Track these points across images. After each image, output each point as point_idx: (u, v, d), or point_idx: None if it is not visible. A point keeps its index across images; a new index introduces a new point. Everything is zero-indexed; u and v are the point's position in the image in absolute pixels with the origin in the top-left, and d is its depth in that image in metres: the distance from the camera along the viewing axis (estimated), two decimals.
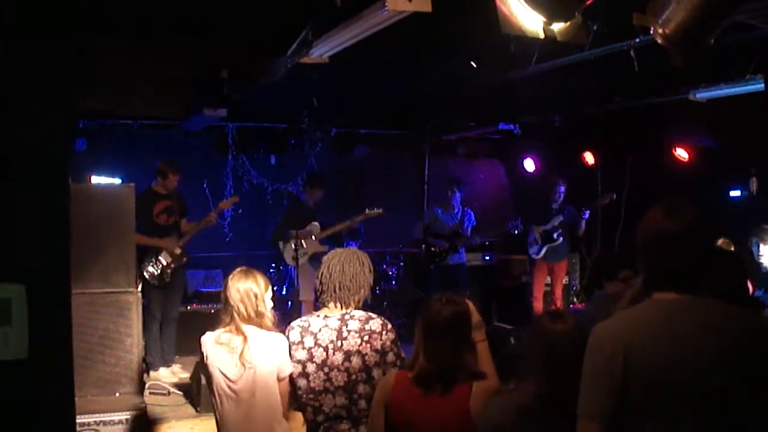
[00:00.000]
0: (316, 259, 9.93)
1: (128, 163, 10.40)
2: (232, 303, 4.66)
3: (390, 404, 3.99)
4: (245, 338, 4.61)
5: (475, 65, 7.13)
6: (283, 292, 11.07)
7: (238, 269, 4.80)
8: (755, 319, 2.89)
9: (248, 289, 4.66)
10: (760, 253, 7.16)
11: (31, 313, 2.47)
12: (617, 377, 2.76)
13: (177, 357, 9.11)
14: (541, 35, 5.00)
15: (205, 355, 4.71)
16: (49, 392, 2.53)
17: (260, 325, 4.64)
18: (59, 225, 2.59)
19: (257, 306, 4.65)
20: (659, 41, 3.89)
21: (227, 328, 4.67)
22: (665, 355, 2.74)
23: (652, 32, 3.94)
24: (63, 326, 2.57)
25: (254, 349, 4.58)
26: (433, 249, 11.10)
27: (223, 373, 4.61)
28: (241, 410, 4.63)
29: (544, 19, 4.91)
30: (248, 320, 4.63)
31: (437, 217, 11.20)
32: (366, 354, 4.46)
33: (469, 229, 11.13)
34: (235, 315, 4.65)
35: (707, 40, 3.87)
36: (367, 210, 10.08)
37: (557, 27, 5.01)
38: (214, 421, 7.11)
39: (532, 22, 4.96)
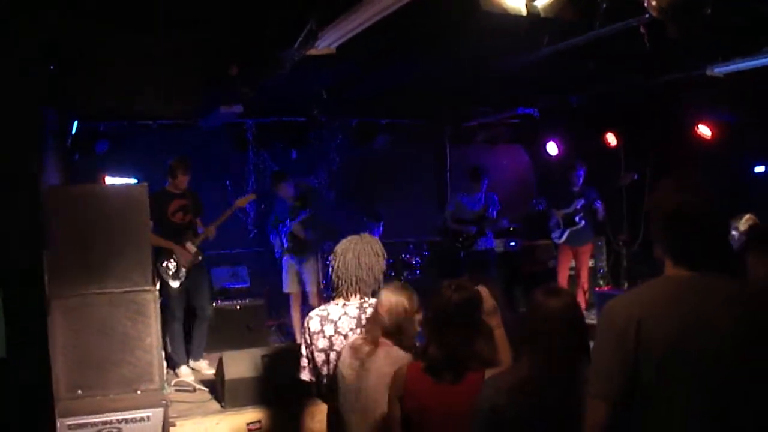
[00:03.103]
0: (293, 252, 10.11)
1: (149, 163, 10.38)
2: (379, 311, 4.42)
3: (404, 395, 3.99)
4: (373, 349, 4.37)
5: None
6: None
7: (393, 283, 4.58)
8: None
9: (399, 302, 4.36)
10: None
11: (8, 314, 2.47)
12: (629, 354, 2.73)
13: (204, 354, 9.16)
14: (524, 12, 4.93)
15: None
16: (29, 390, 2.53)
17: (399, 342, 4.36)
18: (33, 229, 2.59)
19: (400, 322, 4.36)
20: (654, 14, 3.84)
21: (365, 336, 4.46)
22: (678, 333, 2.71)
23: (646, 5, 3.89)
24: (40, 326, 2.58)
25: (372, 365, 4.34)
26: (460, 236, 11.05)
27: (344, 375, 4.45)
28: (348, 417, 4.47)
29: None
30: (388, 333, 4.37)
31: (462, 204, 11.15)
32: None
33: (495, 212, 11.07)
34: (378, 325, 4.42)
35: (702, 12, 3.81)
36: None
37: (541, 3, 4.94)
38: (238, 416, 7.21)
39: None
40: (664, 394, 2.70)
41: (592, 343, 3.03)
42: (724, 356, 2.66)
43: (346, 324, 4.54)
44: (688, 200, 2.81)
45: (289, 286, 10.24)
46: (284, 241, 10.17)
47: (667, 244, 2.89)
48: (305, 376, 4.71)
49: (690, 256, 2.83)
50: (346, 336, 4.52)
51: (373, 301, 4.60)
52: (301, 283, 10.27)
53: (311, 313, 4.74)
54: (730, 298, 2.77)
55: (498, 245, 11.72)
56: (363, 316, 4.53)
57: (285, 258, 10.24)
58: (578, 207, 10.77)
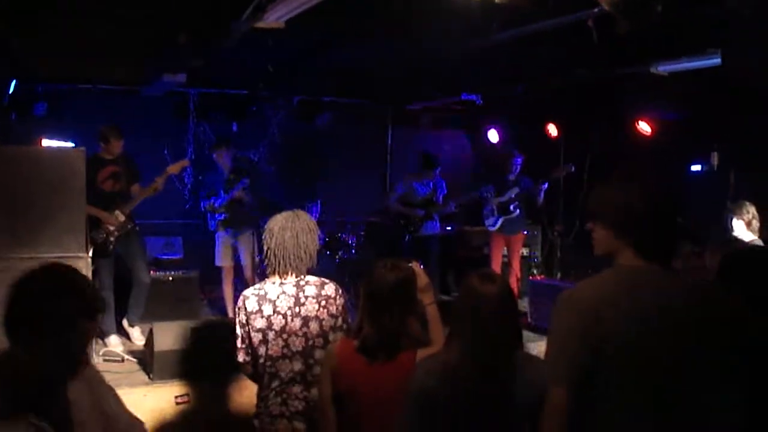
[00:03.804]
0: (229, 225, 9.99)
1: (88, 128, 10.15)
2: None
3: (336, 373, 3.97)
4: None
5: None
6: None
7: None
8: (722, 294, 2.89)
9: None
10: (733, 227, 7.19)
11: None
12: (589, 339, 2.73)
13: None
14: None
15: None
16: None
17: None
18: None
19: None
20: (605, 7, 3.86)
21: None
22: (637, 324, 2.73)
23: None
24: None
25: None
26: (405, 219, 10.97)
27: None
28: None
29: None
30: None
31: (413, 188, 11.07)
32: (323, 319, 4.51)
33: (441, 197, 11.05)
34: None
35: (653, 7, 3.83)
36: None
37: None
38: (166, 389, 7.13)
39: None
40: (622, 383, 2.72)
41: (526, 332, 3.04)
42: (682, 349, 2.70)
43: (285, 303, 4.51)
44: (665, 192, 2.86)
45: (222, 259, 10.13)
46: (219, 213, 10.03)
47: (632, 234, 2.89)
48: (241, 357, 4.66)
49: (654, 248, 2.85)
50: (284, 315, 4.49)
51: (310, 278, 4.60)
52: (235, 257, 10.17)
53: (247, 292, 4.66)
54: (689, 293, 2.83)
55: (439, 230, 11.70)
56: (301, 295, 4.52)
57: (219, 232, 10.12)
58: (513, 195, 10.81)
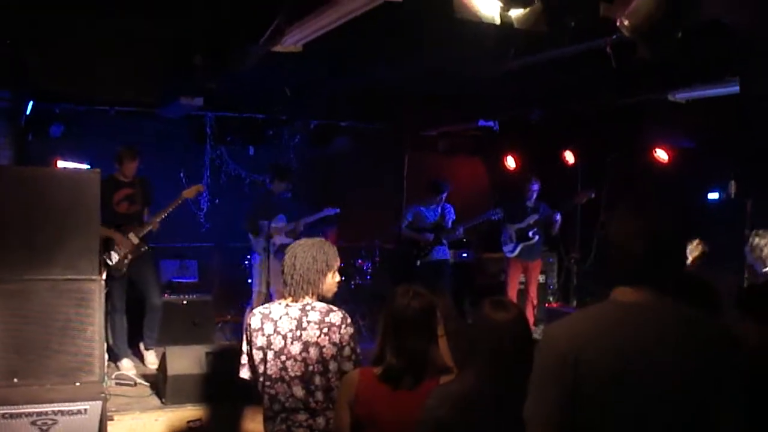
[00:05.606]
0: (282, 252, 9.92)
1: (104, 150, 10.19)
2: None
3: (355, 402, 3.92)
4: None
5: None
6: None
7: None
8: (717, 330, 2.74)
9: None
10: (746, 257, 7.14)
11: None
12: (568, 380, 2.60)
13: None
14: (497, 21, 4.86)
15: None
16: None
17: None
18: None
19: None
20: (626, 33, 3.83)
21: None
22: (619, 359, 2.59)
23: (618, 24, 3.87)
24: None
25: None
26: (416, 245, 10.93)
27: None
28: None
29: (502, 5, 4.76)
30: None
31: (420, 214, 11.05)
32: (324, 346, 4.47)
33: (450, 222, 11.02)
34: None
35: (674, 34, 3.79)
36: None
37: (515, 13, 4.86)
38: (179, 413, 7.10)
39: (488, 7, 4.80)
40: (602, 424, 2.60)
41: None
42: (665, 388, 2.56)
43: (286, 325, 4.51)
44: (637, 224, 2.70)
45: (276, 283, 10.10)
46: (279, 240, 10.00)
47: (615, 265, 2.76)
48: (244, 374, 4.68)
49: (638, 278, 2.71)
50: (284, 337, 4.49)
51: (317, 304, 4.58)
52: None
53: (254, 310, 4.70)
54: (675, 329, 2.65)
55: (450, 256, 11.65)
56: (304, 319, 4.51)
57: (260, 256, 10.07)
58: (531, 222, 10.77)
